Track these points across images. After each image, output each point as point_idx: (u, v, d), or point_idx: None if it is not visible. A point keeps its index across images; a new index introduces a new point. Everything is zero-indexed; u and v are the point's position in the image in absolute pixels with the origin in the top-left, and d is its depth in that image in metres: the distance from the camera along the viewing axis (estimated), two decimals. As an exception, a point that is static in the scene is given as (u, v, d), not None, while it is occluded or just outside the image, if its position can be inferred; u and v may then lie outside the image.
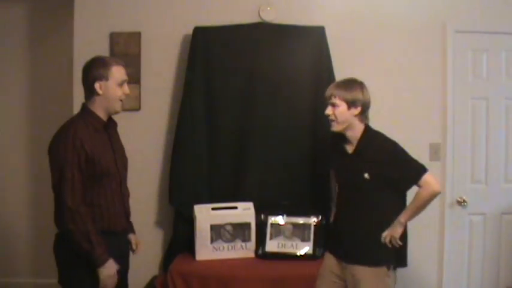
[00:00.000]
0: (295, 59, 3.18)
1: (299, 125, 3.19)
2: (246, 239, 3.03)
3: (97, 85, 2.26)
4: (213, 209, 3.03)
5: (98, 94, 2.27)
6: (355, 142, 2.43)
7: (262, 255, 3.02)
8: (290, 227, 3.06)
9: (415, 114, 3.31)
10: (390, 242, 2.38)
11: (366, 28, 3.30)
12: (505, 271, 3.35)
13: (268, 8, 3.27)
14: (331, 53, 3.18)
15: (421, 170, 2.34)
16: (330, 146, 2.60)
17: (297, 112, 3.19)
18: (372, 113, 3.26)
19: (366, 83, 3.26)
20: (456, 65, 3.31)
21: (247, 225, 3.03)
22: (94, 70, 2.27)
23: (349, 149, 2.46)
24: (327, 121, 2.44)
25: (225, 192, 3.18)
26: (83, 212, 2.16)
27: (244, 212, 3.04)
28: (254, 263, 2.97)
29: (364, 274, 2.38)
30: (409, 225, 3.27)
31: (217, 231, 3.00)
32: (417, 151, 3.26)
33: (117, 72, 2.30)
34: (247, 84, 3.20)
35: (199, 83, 3.20)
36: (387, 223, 2.40)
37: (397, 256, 2.50)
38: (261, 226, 3.06)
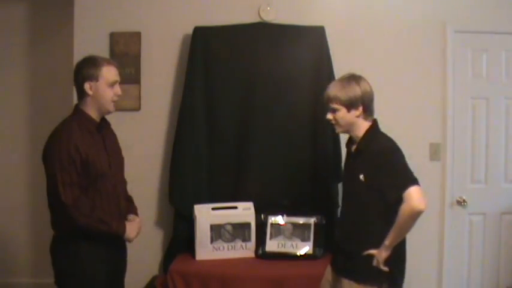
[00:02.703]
0: (295, 59, 3.18)
1: (299, 124, 3.19)
2: (246, 239, 3.03)
3: (87, 85, 2.22)
4: (213, 209, 3.03)
5: (88, 95, 2.24)
6: (357, 141, 2.32)
7: (262, 255, 3.02)
8: (290, 227, 3.06)
9: (415, 114, 3.31)
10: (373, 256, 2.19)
11: (366, 28, 3.30)
12: (505, 271, 3.35)
13: (268, 8, 3.27)
14: (331, 53, 3.18)
15: (408, 181, 2.12)
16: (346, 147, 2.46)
17: (297, 112, 3.19)
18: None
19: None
20: (456, 65, 3.31)
21: (247, 225, 3.03)
22: (84, 70, 2.23)
23: (354, 148, 2.35)
24: (330, 124, 2.36)
25: (225, 192, 3.18)
26: (84, 203, 2.16)
27: (244, 212, 3.04)
28: (254, 263, 2.97)
29: None
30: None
31: (217, 231, 3.00)
32: (417, 151, 3.30)
33: (108, 73, 2.25)
34: (247, 84, 3.20)
35: (200, 82, 3.19)
36: (378, 239, 2.19)
37: (390, 279, 2.23)
38: (261, 226, 3.06)
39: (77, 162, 2.15)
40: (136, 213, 2.53)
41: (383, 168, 2.17)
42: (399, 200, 2.11)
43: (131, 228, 2.35)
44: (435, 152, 3.31)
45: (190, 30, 3.20)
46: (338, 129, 2.33)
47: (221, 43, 3.21)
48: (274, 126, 3.18)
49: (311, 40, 3.19)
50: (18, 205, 4.11)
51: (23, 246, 4.12)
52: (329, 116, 2.31)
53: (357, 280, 2.23)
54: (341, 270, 2.32)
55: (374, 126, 2.32)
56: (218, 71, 3.21)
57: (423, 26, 3.29)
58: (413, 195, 2.08)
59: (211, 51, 3.20)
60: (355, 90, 2.25)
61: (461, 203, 3.30)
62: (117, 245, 2.39)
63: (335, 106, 2.26)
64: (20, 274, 4.11)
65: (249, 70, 3.19)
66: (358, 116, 2.26)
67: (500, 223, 3.36)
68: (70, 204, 2.12)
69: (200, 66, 3.18)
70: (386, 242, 2.16)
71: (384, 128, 3.25)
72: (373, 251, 2.20)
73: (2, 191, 4.10)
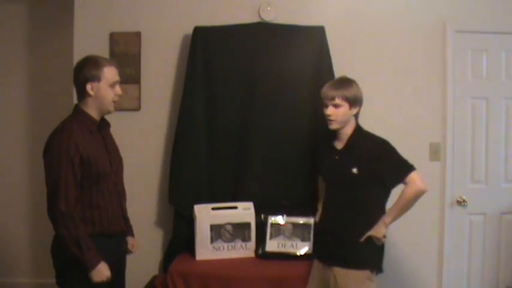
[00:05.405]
0: (295, 59, 3.18)
1: (299, 124, 3.19)
2: (246, 239, 3.03)
3: (88, 86, 2.24)
4: (213, 209, 3.03)
5: (89, 95, 2.25)
6: (345, 138, 2.47)
7: (262, 255, 3.01)
8: (290, 227, 3.05)
9: (415, 114, 3.31)
10: (369, 240, 2.34)
11: (365, 28, 3.30)
12: (505, 271, 3.35)
13: (268, 8, 3.27)
14: (331, 52, 3.18)
15: (409, 167, 2.38)
16: (317, 144, 2.66)
17: (296, 112, 3.19)
18: (372, 112, 3.29)
19: (366, 82, 3.26)
20: (456, 65, 3.31)
21: (247, 225, 3.03)
22: (86, 70, 2.23)
23: (339, 145, 2.50)
24: (325, 120, 2.50)
25: (225, 192, 3.18)
26: (75, 216, 2.15)
27: (244, 212, 3.04)
28: (254, 263, 2.97)
29: (346, 277, 2.35)
30: (409, 225, 3.29)
31: (217, 231, 3.00)
32: (417, 151, 3.30)
33: (109, 73, 2.27)
34: (247, 84, 3.19)
35: (199, 83, 3.19)
36: (372, 225, 2.37)
37: (379, 264, 2.46)
38: (261, 226, 3.06)
39: (75, 161, 2.15)
40: (132, 234, 2.57)
41: (383, 157, 2.38)
42: (397, 184, 2.38)
43: (102, 270, 2.19)
44: (435, 152, 3.31)
45: (190, 30, 3.20)
46: (334, 126, 2.46)
47: (221, 43, 3.21)
48: (274, 126, 3.17)
49: (311, 40, 3.19)
50: (18, 205, 4.12)
51: (23, 246, 4.12)
52: (330, 111, 2.43)
53: (353, 266, 2.35)
54: (332, 259, 2.43)
55: (361, 126, 2.53)
56: (218, 71, 3.21)
57: (423, 26, 3.29)
58: (417, 179, 2.34)
59: (211, 51, 3.19)
60: (357, 90, 2.47)
61: (461, 203, 3.30)
62: (117, 244, 2.40)
63: (339, 102, 2.40)
64: (20, 274, 4.12)
65: (249, 70, 3.19)
66: (354, 115, 2.46)
67: (500, 223, 3.36)
68: (63, 211, 2.12)
69: (200, 66, 3.18)
70: (387, 219, 2.36)
71: (384, 128, 3.26)
72: (370, 232, 2.35)
73: (2, 190, 4.11)
